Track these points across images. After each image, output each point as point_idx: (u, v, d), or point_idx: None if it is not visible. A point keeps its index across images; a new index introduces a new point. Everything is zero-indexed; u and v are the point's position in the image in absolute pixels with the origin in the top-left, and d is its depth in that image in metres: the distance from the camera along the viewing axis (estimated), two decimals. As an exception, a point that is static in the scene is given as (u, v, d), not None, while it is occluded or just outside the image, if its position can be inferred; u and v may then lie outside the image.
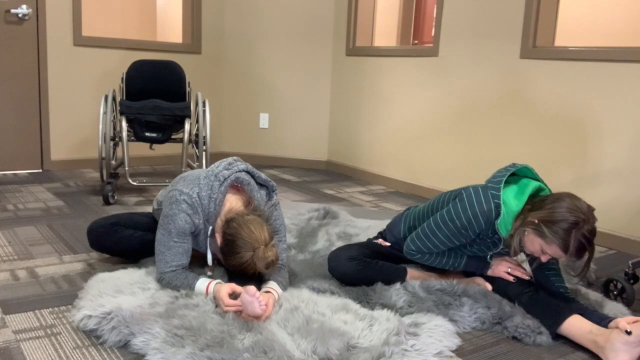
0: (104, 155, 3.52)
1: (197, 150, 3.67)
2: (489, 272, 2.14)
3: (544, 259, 1.90)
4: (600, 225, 3.08)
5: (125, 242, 2.27)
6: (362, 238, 2.71)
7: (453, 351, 1.79)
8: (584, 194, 3.14)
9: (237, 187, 2.10)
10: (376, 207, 3.65)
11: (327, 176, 4.63)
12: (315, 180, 4.43)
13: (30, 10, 4.03)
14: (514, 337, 1.90)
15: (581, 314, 1.88)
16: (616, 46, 3.06)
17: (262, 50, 4.87)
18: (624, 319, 1.75)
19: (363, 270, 2.11)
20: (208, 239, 2.05)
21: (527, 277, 2.09)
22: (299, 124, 4.91)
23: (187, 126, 3.48)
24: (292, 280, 2.16)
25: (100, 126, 3.45)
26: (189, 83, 3.85)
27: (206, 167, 3.55)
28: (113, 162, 3.68)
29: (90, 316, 1.77)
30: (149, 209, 3.24)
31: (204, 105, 3.64)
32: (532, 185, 1.98)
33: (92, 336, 1.76)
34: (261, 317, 1.79)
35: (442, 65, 3.88)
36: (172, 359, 1.58)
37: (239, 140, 5.06)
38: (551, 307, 1.92)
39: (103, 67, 4.39)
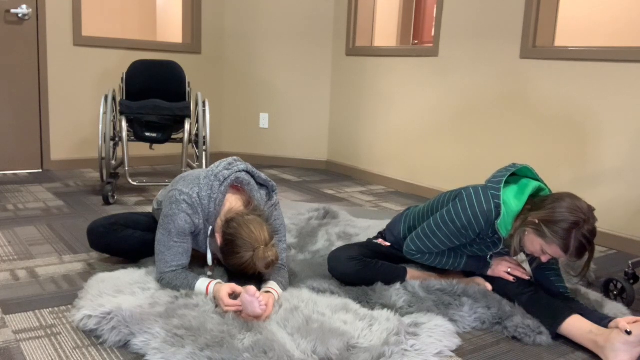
0: (104, 155, 3.52)
1: (197, 150, 3.66)
2: (489, 272, 2.14)
3: (544, 259, 1.90)
4: (601, 225, 3.08)
5: (125, 242, 2.27)
6: (362, 238, 2.71)
7: (453, 351, 1.79)
8: (584, 194, 3.14)
9: (237, 187, 2.10)
10: (376, 207, 3.65)
11: (327, 176, 4.63)
12: (315, 180, 4.43)
13: (30, 10, 4.03)
14: (514, 337, 1.90)
15: (581, 314, 1.88)
16: (616, 46, 3.06)
17: (262, 50, 4.87)
18: (624, 319, 1.75)
19: (363, 270, 2.11)
20: (208, 239, 2.05)
21: (527, 277, 2.09)
22: (299, 124, 4.91)
23: (187, 126, 3.48)
24: (292, 280, 2.16)
25: (100, 126, 3.45)
26: (189, 83, 3.85)
27: (206, 167, 3.55)
28: (113, 162, 3.67)
29: (90, 316, 1.77)
30: (149, 209, 3.24)
31: (204, 105, 3.64)
32: (532, 185, 1.98)
33: (92, 336, 1.76)
34: (261, 317, 1.79)
35: (442, 65, 3.88)
36: (172, 359, 1.58)
37: (239, 140, 5.06)
38: (551, 307, 1.92)
39: (103, 67, 4.39)
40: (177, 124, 3.54)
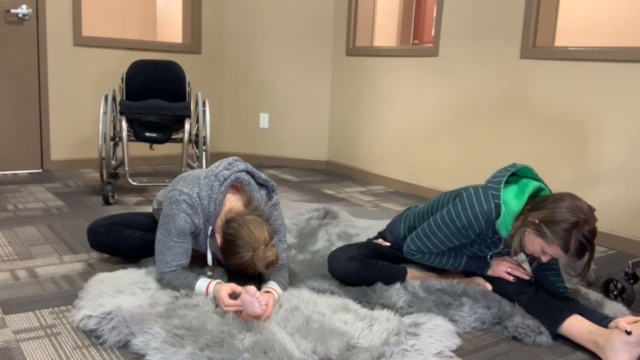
0: (104, 155, 3.52)
1: (197, 150, 3.66)
2: (489, 272, 2.14)
3: (544, 259, 1.90)
4: (601, 225, 3.08)
5: (125, 242, 2.27)
6: (362, 238, 2.71)
7: (453, 351, 1.79)
8: (584, 194, 3.14)
9: (237, 187, 2.10)
10: (376, 207, 3.65)
11: (327, 176, 4.63)
12: (315, 180, 4.43)
13: (30, 10, 4.03)
14: (514, 337, 1.90)
15: (581, 314, 1.88)
16: (616, 46, 3.06)
17: (262, 50, 4.87)
18: (624, 319, 1.75)
19: (363, 270, 2.11)
20: (208, 239, 2.05)
21: (527, 277, 2.09)
22: (299, 124, 4.91)
23: (187, 126, 3.48)
24: (292, 280, 2.16)
25: (100, 126, 3.45)
26: (189, 83, 3.85)
27: (206, 167, 3.55)
28: (113, 162, 3.67)
29: (90, 316, 1.77)
30: (149, 209, 3.24)
31: (204, 105, 3.64)
32: (532, 185, 1.98)
33: (92, 336, 1.76)
34: (261, 317, 1.79)
35: (442, 65, 3.88)
36: (172, 359, 1.58)
37: (239, 140, 5.06)
38: (551, 307, 1.92)
39: (103, 67, 4.39)
40: (177, 124, 3.54)
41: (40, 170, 4.26)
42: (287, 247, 2.55)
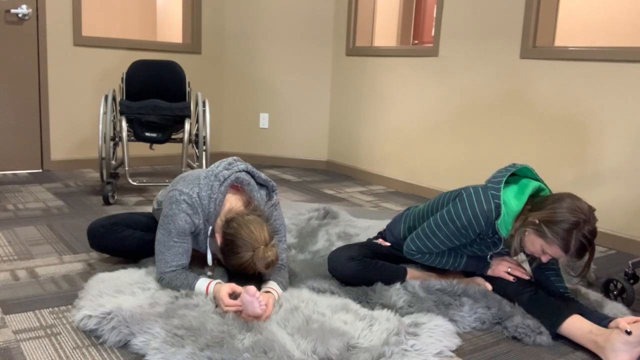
0: (104, 155, 3.52)
1: (197, 150, 3.67)
2: (489, 272, 2.14)
3: (544, 259, 1.90)
4: (601, 225, 3.08)
5: (125, 242, 2.27)
6: (362, 238, 2.71)
7: (453, 351, 1.79)
8: (584, 194, 3.14)
9: (237, 187, 2.10)
10: (376, 207, 3.65)
11: (327, 176, 4.63)
12: (315, 180, 4.43)
13: (30, 10, 4.03)
14: (514, 337, 1.90)
15: (581, 314, 1.88)
16: (616, 46, 3.06)
17: (262, 50, 4.87)
18: (624, 319, 1.75)
19: (363, 270, 2.11)
20: (208, 239, 2.05)
21: (527, 277, 2.09)
22: (299, 124, 4.91)
23: (187, 126, 3.48)
24: (292, 280, 2.16)
25: (100, 126, 3.45)
26: (189, 83, 3.85)
27: (206, 167, 3.55)
28: (113, 162, 3.67)
29: (90, 316, 1.77)
30: (149, 209, 3.24)
31: (204, 105, 3.64)
32: (532, 185, 1.98)
33: (92, 336, 1.76)
34: (261, 317, 1.79)
35: (442, 65, 3.88)
36: (172, 359, 1.58)
37: (239, 140, 5.06)
38: (551, 307, 1.92)
39: (103, 67, 4.39)
40: (177, 124, 3.54)
41: (40, 170, 4.26)
42: (287, 247, 2.55)
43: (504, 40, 3.49)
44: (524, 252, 2.01)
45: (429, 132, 4.01)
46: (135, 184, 3.36)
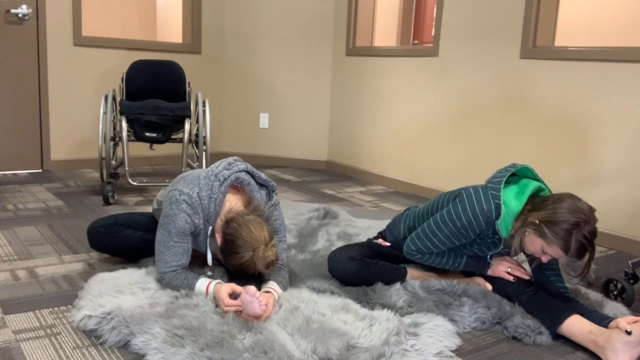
0: (104, 155, 3.52)
1: (197, 150, 3.67)
2: (489, 272, 2.14)
3: (544, 259, 1.90)
4: (601, 225, 3.08)
5: (125, 242, 2.27)
6: (362, 238, 2.71)
7: (453, 351, 1.79)
8: (584, 194, 3.14)
9: (237, 187, 2.10)
10: (376, 207, 3.65)
11: (327, 176, 4.63)
12: (315, 180, 4.43)
13: (30, 10, 4.03)
14: (514, 337, 1.90)
15: (581, 314, 1.88)
16: (616, 46, 3.06)
17: (262, 50, 4.87)
18: (624, 319, 1.75)
19: (363, 270, 2.11)
20: (208, 239, 2.05)
21: (527, 277, 2.09)
22: (299, 124, 4.91)
23: (187, 126, 3.48)
24: (292, 280, 2.16)
25: (100, 126, 3.45)
26: (189, 83, 3.85)
27: (206, 167, 3.55)
28: (113, 162, 3.68)
29: (90, 316, 1.77)
30: (149, 209, 3.24)
31: (204, 105, 3.64)
32: (532, 185, 1.98)
33: (92, 336, 1.76)
34: (261, 317, 1.79)
35: (442, 65, 3.88)
36: (172, 359, 1.58)
37: (239, 140, 5.06)
38: (551, 307, 1.92)
39: (103, 67, 4.39)
40: (177, 124, 3.54)
41: (40, 170, 4.26)
42: (287, 247, 2.55)
43: (504, 40, 3.49)
44: (524, 252, 2.01)
45: (429, 132, 4.01)
46: (135, 184, 3.36)
